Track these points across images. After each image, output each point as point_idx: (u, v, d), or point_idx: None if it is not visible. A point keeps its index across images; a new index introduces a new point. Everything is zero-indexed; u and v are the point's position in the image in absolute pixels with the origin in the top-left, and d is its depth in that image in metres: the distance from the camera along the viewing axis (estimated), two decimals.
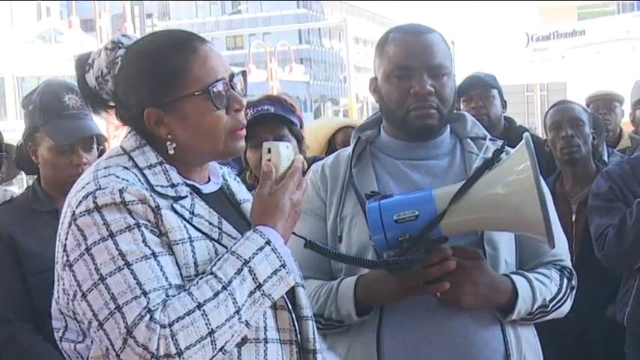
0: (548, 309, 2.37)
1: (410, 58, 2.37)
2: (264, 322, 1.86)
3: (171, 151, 1.87)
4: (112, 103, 1.95)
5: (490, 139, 2.48)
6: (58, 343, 1.90)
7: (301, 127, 3.23)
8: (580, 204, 3.88)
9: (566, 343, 3.68)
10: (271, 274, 1.79)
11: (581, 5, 33.92)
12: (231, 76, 1.90)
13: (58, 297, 1.87)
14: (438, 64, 2.38)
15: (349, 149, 2.51)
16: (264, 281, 1.77)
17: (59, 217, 2.82)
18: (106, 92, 1.92)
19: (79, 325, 1.83)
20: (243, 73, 1.95)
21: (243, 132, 1.92)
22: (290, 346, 1.91)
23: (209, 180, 1.98)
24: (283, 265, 1.81)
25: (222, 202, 1.98)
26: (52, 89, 2.90)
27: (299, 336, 1.93)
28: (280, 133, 3.07)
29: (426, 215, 2.18)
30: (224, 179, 2.05)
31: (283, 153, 1.92)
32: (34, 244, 2.79)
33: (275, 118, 3.10)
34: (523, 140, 2.18)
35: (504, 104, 4.79)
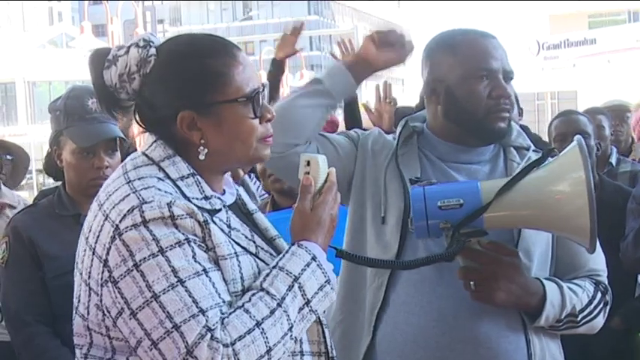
0: (578, 319, 2.35)
1: (491, 61, 2.38)
2: (301, 334, 1.84)
3: (202, 157, 1.83)
4: (128, 104, 1.89)
5: (533, 150, 2.47)
6: (81, 359, 1.85)
7: None
8: None
9: (573, 356, 3.67)
10: (317, 289, 1.79)
11: (592, 14, 33.89)
12: (263, 86, 1.89)
13: (87, 313, 1.80)
14: (510, 70, 2.42)
15: (393, 135, 2.52)
16: (312, 297, 1.78)
17: (82, 221, 2.84)
18: (127, 92, 1.85)
19: (110, 342, 1.78)
20: (267, 86, 1.94)
21: (271, 140, 1.91)
22: (319, 358, 1.91)
23: (224, 192, 1.95)
24: (328, 281, 1.81)
25: (239, 213, 1.96)
26: (76, 94, 2.94)
27: (328, 347, 1.93)
28: None
29: (470, 205, 2.18)
30: (236, 189, 2.03)
31: (322, 166, 1.91)
32: (55, 248, 2.82)
33: None
34: (575, 142, 2.18)
35: (521, 112, 4.78)
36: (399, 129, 2.51)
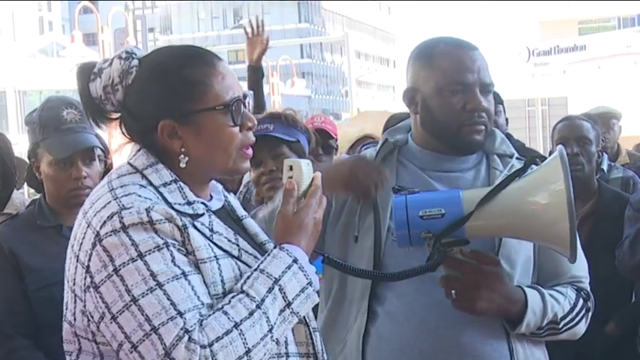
0: (560, 326, 2.35)
1: (466, 74, 2.37)
2: (284, 336, 1.85)
3: (183, 165, 1.86)
4: (114, 116, 1.92)
5: (517, 158, 2.47)
6: None
7: (309, 140, 3.20)
8: (581, 220, 3.87)
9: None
10: (299, 292, 1.80)
11: (582, 20, 34.00)
12: (244, 95, 1.91)
13: (74, 319, 1.83)
14: (488, 82, 2.40)
15: (375, 150, 2.52)
16: (293, 299, 1.79)
17: (63, 233, 2.80)
18: (112, 103, 1.89)
19: (98, 347, 1.81)
20: (252, 95, 1.96)
21: (250, 152, 1.93)
22: (307, 359, 1.92)
23: (211, 197, 1.98)
24: (310, 283, 1.82)
25: (227, 218, 1.98)
26: (50, 105, 2.92)
27: (316, 349, 1.94)
28: (279, 151, 3.07)
29: (451, 215, 2.19)
30: (224, 196, 2.05)
31: (305, 170, 1.92)
32: (37, 260, 2.80)
33: (274, 138, 3.09)
34: (557, 152, 2.19)
35: (506, 120, 4.79)
36: (378, 145, 2.52)
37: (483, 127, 2.40)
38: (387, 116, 4.54)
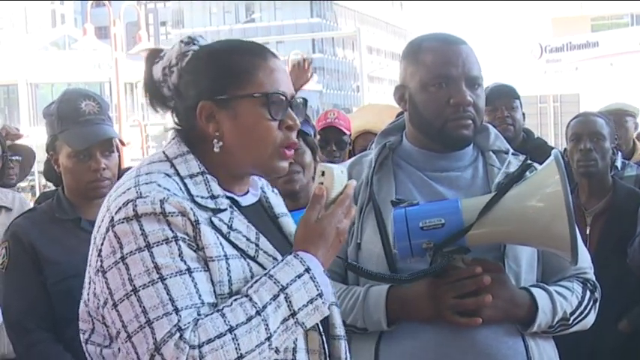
0: (570, 322, 2.36)
1: (450, 68, 2.35)
2: (293, 342, 1.82)
3: (217, 149, 1.85)
4: (171, 104, 1.93)
5: (512, 154, 2.47)
6: (84, 344, 1.89)
7: (315, 136, 3.21)
8: (595, 216, 3.87)
9: (581, 357, 3.66)
10: (307, 302, 1.76)
11: (595, 17, 33.86)
12: (292, 96, 1.89)
13: (88, 299, 1.85)
14: (475, 75, 2.38)
15: (371, 154, 2.50)
16: (299, 309, 1.75)
17: (82, 226, 2.81)
18: (168, 86, 1.91)
19: (107, 330, 1.82)
20: (305, 103, 1.94)
21: (292, 152, 1.90)
22: None
23: (247, 192, 1.95)
24: (320, 295, 1.78)
25: (260, 214, 1.96)
26: (68, 97, 2.93)
27: (328, 358, 1.89)
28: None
29: (451, 224, 2.20)
30: (262, 191, 2.03)
31: (337, 177, 1.87)
32: (56, 253, 2.81)
33: None
34: (552, 156, 2.19)
35: (523, 116, 4.77)
36: (376, 151, 2.49)
37: (470, 122, 2.38)
38: (390, 109, 4.50)
